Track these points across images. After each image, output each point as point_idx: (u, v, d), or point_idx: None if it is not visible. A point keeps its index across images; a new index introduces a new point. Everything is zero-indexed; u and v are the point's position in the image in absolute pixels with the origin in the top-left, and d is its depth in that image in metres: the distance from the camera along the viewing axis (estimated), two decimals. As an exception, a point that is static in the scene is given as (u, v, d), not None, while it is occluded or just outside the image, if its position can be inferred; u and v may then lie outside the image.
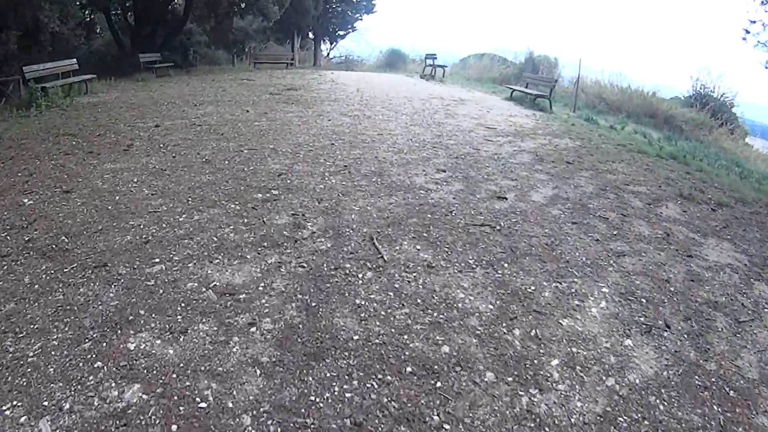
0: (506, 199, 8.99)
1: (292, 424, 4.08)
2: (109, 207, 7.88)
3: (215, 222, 7.45)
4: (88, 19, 33.01)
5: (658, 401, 4.56)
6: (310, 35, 43.98)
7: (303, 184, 9.21)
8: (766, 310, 6.13)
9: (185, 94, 19.69)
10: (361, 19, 43.73)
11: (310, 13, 36.55)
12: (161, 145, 11.60)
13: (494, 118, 17.12)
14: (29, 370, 4.49)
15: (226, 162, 10.38)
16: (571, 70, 31.59)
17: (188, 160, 10.45)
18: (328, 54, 47.48)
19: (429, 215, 8.06)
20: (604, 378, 4.80)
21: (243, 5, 30.83)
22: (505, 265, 6.63)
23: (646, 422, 4.32)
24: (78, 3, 27.51)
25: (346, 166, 10.42)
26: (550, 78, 25.04)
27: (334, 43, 47.28)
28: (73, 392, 4.27)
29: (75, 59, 21.29)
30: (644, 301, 6.11)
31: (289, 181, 9.33)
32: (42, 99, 16.00)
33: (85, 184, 8.86)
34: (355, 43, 47.63)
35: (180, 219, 7.55)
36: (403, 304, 5.69)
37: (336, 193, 8.85)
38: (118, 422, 3.99)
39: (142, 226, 7.26)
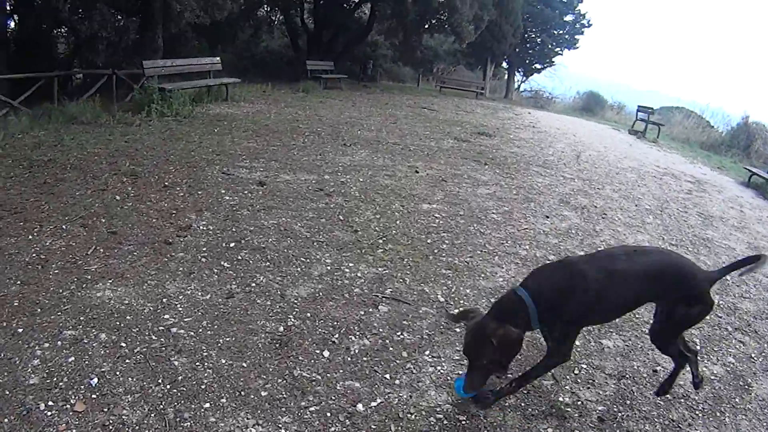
0: None
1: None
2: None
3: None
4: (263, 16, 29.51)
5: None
6: (504, 64, 37.69)
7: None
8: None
9: (342, 121, 14.71)
10: (561, 54, 37.20)
11: (507, 40, 30.38)
12: (232, 246, 6.19)
13: (759, 231, 11.14)
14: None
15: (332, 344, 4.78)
16: None
17: (262, 315, 4.92)
18: (519, 86, 40.66)
19: None
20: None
21: (434, 21, 25.70)
22: None
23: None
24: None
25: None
26: None
27: (529, 76, 39.92)
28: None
29: (218, 58, 17.15)
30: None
31: None
32: (158, 104, 12.16)
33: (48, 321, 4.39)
34: (548, 78, 40.61)
35: None
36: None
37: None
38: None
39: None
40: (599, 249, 7.40)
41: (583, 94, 38.68)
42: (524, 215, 8.60)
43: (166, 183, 7.72)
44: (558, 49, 36.34)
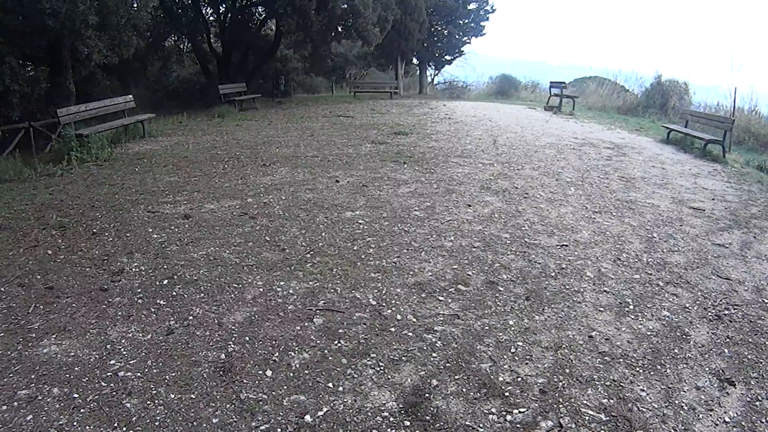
0: None
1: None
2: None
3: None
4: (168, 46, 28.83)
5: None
6: (414, 61, 37.90)
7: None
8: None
9: (260, 141, 14.73)
10: (469, 42, 37.12)
11: (414, 36, 30.50)
12: (165, 283, 6.25)
13: (682, 185, 11.65)
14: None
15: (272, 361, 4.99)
16: (702, 95, 26.74)
17: (201, 343, 5.09)
18: (433, 80, 40.81)
19: None
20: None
21: (340, 28, 25.68)
22: None
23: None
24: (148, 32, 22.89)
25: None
26: (724, 117, 17.96)
27: (440, 69, 40.03)
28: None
29: (130, 96, 16.87)
30: None
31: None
32: (77, 150, 12.07)
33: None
34: (460, 68, 40.70)
35: None
36: None
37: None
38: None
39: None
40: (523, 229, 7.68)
41: (496, 78, 39.04)
42: (446, 207, 8.86)
43: (95, 230, 7.74)
44: (466, 38, 36.35)
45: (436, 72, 41.12)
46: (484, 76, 40.75)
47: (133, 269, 6.43)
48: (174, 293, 5.82)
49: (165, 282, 6.08)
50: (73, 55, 16.47)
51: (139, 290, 5.89)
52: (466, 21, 34.93)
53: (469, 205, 9.08)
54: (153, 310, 5.48)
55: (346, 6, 23.50)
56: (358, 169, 11.35)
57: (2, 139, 13.87)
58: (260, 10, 28.03)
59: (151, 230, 7.70)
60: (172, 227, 7.82)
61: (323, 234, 7.58)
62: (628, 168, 12.89)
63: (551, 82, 27.18)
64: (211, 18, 27.68)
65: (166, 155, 12.80)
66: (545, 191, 10.22)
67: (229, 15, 26.72)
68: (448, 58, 37.63)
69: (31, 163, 11.55)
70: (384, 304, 5.63)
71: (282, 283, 6.10)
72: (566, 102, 25.26)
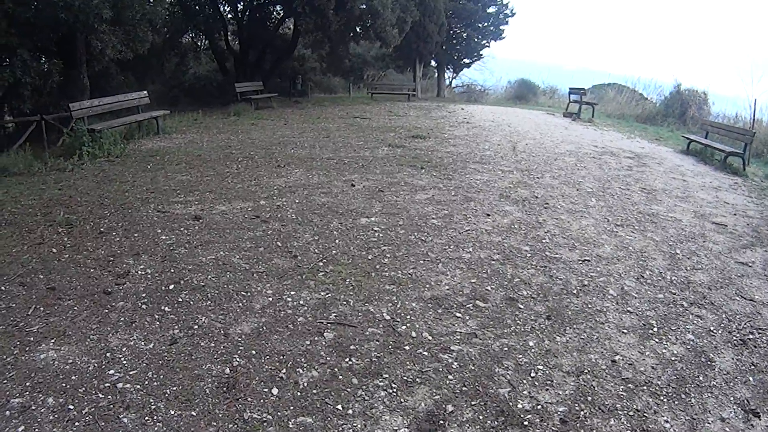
0: None
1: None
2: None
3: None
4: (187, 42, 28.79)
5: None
6: (433, 63, 37.41)
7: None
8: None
9: (275, 142, 14.44)
10: (488, 46, 36.70)
11: (433, 39, 30.21)
12: (171, 288, 5.99)
13: (704, 198, 11.32)
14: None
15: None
16: (721, 105, 26.09)
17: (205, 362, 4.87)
18: (450, 83, 40.51)
19: None
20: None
21: (358, 29, 25.31)
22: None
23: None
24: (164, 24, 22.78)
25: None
26: (745, 129, 17.55)
27: (458, 72, 39.82)
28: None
29: (145, 92, 16.48)
30: None
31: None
32: (89, 145, 11.83)
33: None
34: (479, 71, 40.41)
35: None
36: None
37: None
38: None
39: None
40: (543, 241, 7.42)
41: (514, 82, 38.56)
42: (465, 216, 8.60)
43: (102, 229, 7.52)
44: (485, 41, 35.95)
45: (455, 75, 40.87)
46: (502, 80, 40.29)
47: (139, 272, 6.21)
48: (180, 299, 5.60)
49: (171, 287, 5.85)
50: (87, 49, 16.29)
51: (144, 295, 5.67)
52: (486, 24, 34.60)
53: (488, 215, 8.82)
54: (157, 317, 5.25)
55: (364, 6, 23.15)
56: (374, 173, 11.10)
57: (13, 132, 13.74)
58: (278, 8, 27.87)
59: (159, 231, 7.48)
60: (182, 228, 7.60)
61: (337, 241, 7.34)
62: (649, 179, 12.58)
63: (570, 89, 26.68)
64: (229, 16, 27.58)
65: (180, 153, 12.57)
66: (566, 201, 9.95)
67: (247, 13, 26.60)
68: (466, 61, 37.28)
69: (41, 157, 11.39)
70: (398, 320, 5.38)
71: (293, 292, 5.86)
72: (585, 109, 24.80)
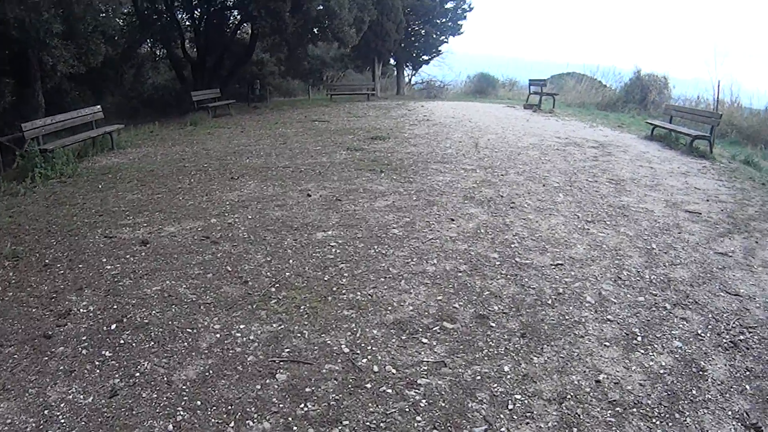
0: None
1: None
2: None
3: None
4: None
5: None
6: (392, 61, 37.18)
7: None
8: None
9: (230, 151, 13.79)
10: (447, 42, 36.45)
11: (391, 37, 29.78)
12: (114, 328, 5.38)
13: (674, 185, 11.08)
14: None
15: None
16: (682, 88, 26.76)
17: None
18: (410, 80, 40.24)
19: None
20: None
21: (316, 30, 24.81)
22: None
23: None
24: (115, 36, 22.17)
25: None
26: (710, 112, 17.41)
27: (417, 69, 39.60)
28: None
29: (98, 106, 15.83)
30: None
31: None
32: (41, 167, 11.22)
33: None
34: (438, 67, 40.09)
35: None
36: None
37: None
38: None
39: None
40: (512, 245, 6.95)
41: (474, 77, 38.72)
42: (427, 223, 8.11)
43: (47, 261, 6.91)
44: (443, 37, 35.78)
45: (414, 72, 40.57)
46: (461, 75, 40.37)
47: (81, 310, 5.62)
48: (122, 341, 5.02)
49: (113, 327, 5.27)
50: (40, 66, 15.75)
51: (85, 337, 5.08)
52: (444, 20, 34.31)
53: (452, 219, 8.33)
54: (97, 363, 4.67)
55: (321, 7, 22.80)
56: (331, 180, 10.56)
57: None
58: (235, 13, 27.41)
59: (105, 260, 6.87)
60: (128, 256, 6.99)
61: (291, 261, 6.77)
62: (616, 169, 12.33)
63: (530, 80, 26.65)
64: (187, 23, 26.92)
65: (132, 169, 11.92)
66: (533, 199, 9.54)
67: (204, 18, 25.99)
68: (425, 57, 37.11)
69: (-3, 181, 10.68)
70: (358, 351, 4.84)
71: (242, 326, 5.29)
72: (546, 99, 24.74)
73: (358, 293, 5.93)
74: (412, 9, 32.34)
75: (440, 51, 36.65)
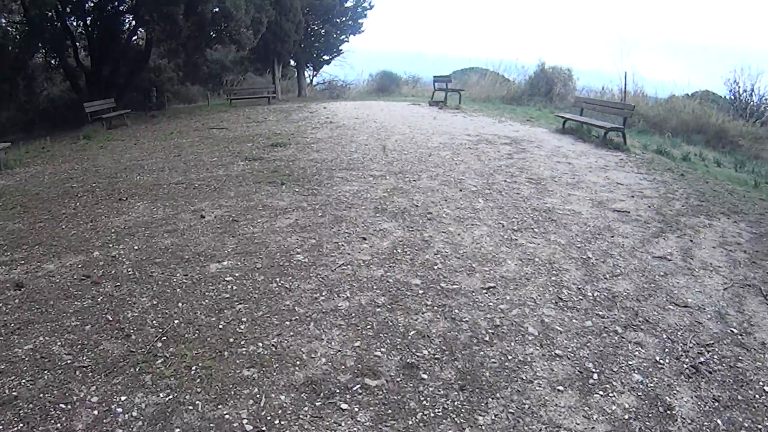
0: None
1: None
2: None
3: None
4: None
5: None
6: (292, 63, 36.47)
7: None
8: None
9: (121, 168, 12.43)
10: (348, 41, 36.15)
11: (291, 38, 29.04)
12: None
13: (595, 182, 10.59)
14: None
15: None
16: (585, 79, 27.41)
17: None
18: (311, 81, 39.47)
19: None
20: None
21: (213, 33, 23.97)
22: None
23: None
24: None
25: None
26: (623, 104, 17.69)
27: (318, 70, 39.11)
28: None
29: None
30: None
31: None
32: None
33: None
34: (339, 67, 39.60)
35: None
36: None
37: None
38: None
39: None
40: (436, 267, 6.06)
41: (376, 75, 38.39)
42: (336, 245, 7.14)
43: None
44: (344, 36, 35.43)
45: (315, 73, 40.11)
46: (363, 73, 40.09)
47: None
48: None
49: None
50: None
51: None
52: (344, 19, 33.86)
53: (364, 238, 7.36)
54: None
55: (217, 9, 21.84)
56: (228, 196, 9.48)
57: None
58: (129, 18, 26.00)
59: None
60: (0, 305, 5.72)
61: (180, 304, 5.63)
62: (534, 166, 11.79)
63: (435, 77, 26.27)
64: (81, 30, 25.43)
65: (17, 193, 10.56)
66: (451, 207, 8.71)
67: (98, 24, 24.55)
68: (326, 58, 36.65)
69: None
70: (264, 428, 3.78)
71: (123, 397, 4.18)
72: (451, 95, 24.40)
73: (260, 344, 4.85)
74: (312, 9, 31.62)
75: (341, 50, 36.35)
